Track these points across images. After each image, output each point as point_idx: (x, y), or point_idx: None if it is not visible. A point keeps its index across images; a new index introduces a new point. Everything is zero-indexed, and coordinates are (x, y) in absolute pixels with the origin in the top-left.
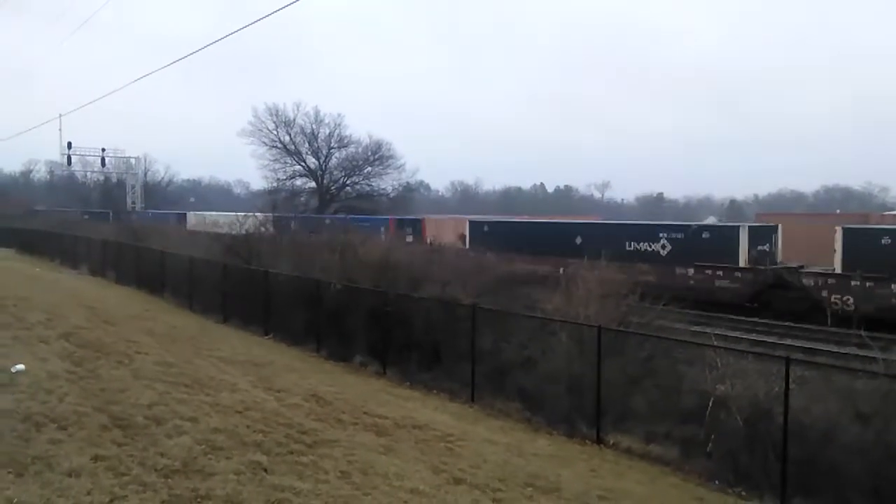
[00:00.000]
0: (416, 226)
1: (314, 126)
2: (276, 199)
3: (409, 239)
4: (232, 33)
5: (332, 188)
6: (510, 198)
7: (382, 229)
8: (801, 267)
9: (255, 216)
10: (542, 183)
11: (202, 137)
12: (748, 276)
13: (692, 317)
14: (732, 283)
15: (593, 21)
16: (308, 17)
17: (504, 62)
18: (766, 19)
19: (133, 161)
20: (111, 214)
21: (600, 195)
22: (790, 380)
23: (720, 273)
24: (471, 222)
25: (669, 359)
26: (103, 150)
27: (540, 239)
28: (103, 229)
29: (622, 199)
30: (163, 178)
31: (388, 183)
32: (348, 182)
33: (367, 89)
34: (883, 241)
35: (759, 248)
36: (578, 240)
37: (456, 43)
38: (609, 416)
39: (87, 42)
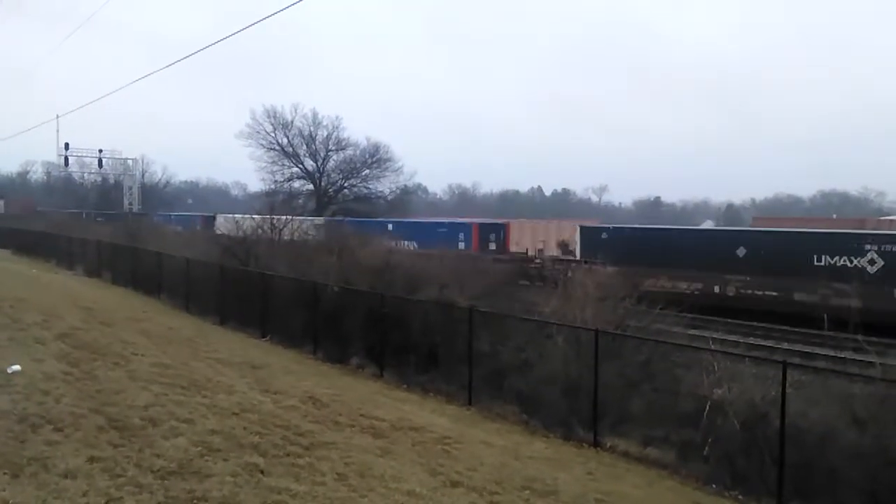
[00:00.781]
0: (500, 232)
1: (312, 128)
2: (273, 202)
3: (493, 247)
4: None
5: (330, 190)
6: (507, 201)
7: (461, 236)
8: None
9: (294, 219)
10: (539, 186)
11: (200, 139)
12: None
13: (689, 320)
14: None
15: (591, 25)
16: (307, 19)
17: (502, 66)
18: (765, 23)
19: (130, 162)
20: (125, 216)
21: (598, 199)
22: (787, 384)
23: None
24: (584, 228)
25: (667, 362)
26: (100, 151)
27: (684, 250)
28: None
29: (620, 203)
30: (160, 179)
31: (385, 185)
32: (346, 184)
33: (366, 92)
34: None
35: None
36: (741, 251)
37: (454, 46)
38: (606, 420)
39: (86, 43)
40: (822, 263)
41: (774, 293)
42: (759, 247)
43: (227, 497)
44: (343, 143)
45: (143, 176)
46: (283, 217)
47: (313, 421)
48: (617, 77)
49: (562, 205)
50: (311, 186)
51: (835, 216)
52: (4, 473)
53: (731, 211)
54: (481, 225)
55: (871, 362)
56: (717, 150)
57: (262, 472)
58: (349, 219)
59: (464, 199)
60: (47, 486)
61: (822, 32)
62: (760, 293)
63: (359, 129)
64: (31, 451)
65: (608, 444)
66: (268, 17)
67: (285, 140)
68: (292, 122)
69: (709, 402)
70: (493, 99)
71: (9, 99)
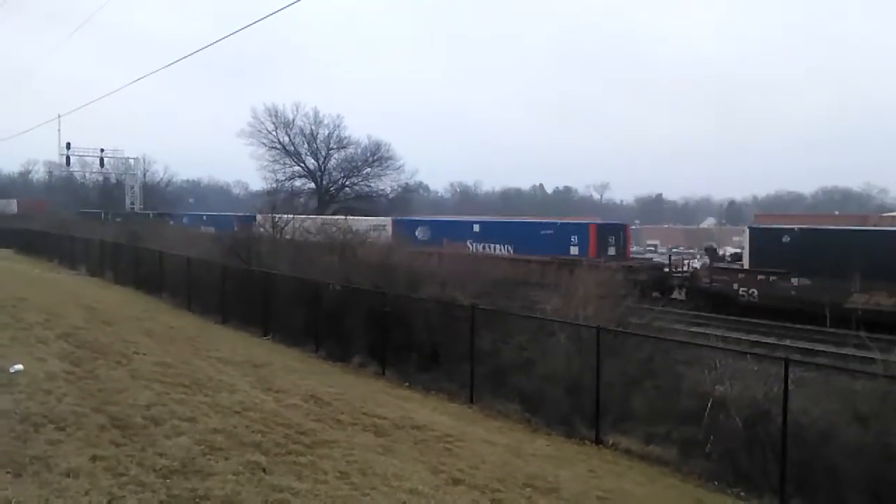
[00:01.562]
0: (619, 234)
1: (313, 127)
2: (275, 200)
3: (612, 252)
4: (230, 35)
5: (332, 189)
6: (509, 198)
7: (574, 239)
8: None
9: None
10: (541, 184)
11: (201, 138)
12: None
13: (691, 318)
14: None
15: (593, 22)
16: (307, 18)
17: (504, 63)
18: (766, 21)
19: (132, 161)
20: (150, 216)
21: (599, 196)
22: (789, 381)
23: None
24: (754, 229)
25: (668, 360)
26: (102, 150)
27: None
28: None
29: (621, 200)
30: (162, 178)
31: (386, 184)
32: (347, 183)
33: (367, 91)
34: None
35: None
36: None
37: (456, 45)
38: (608, 417)
39: (87, 43)
40: None
41: None
42: None
43: (229, 495)
44: (344, 142)
45: (144, 175)
46: (315, 217)
47: (315, 419)
48: (617, 77)
49: (563, 202)
50: (312, 185)
51: (837, 213)
52: (7, 472)
53: (732, 208)
54: (600, 226)
55: (872, 359)
56: (717, 148)
57: (264, 470)
58: (419, 218)
59: (465, 197)
60: (49, 485)
61: (822, 31)
62: None
63: (360, 128)
64: (34, 451)
65: (610, 442)
66: (267, 16)
67: (287, 139)
68: (293, 120)
69: (711, 400)
70: (492, 98)
71: (10, 99)
